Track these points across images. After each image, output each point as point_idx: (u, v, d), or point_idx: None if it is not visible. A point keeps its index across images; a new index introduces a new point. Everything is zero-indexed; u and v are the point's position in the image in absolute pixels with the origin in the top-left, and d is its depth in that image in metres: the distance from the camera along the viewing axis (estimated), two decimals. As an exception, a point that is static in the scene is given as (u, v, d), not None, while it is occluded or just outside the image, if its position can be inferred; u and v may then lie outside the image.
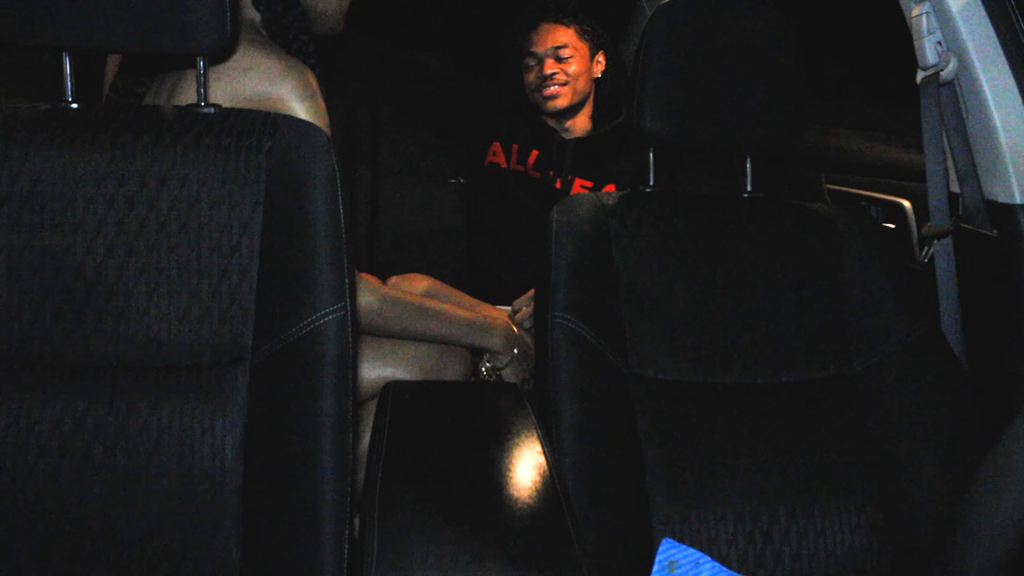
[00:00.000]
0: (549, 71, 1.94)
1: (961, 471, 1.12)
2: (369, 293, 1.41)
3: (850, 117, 1.97)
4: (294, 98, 1.24)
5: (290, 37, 1.33)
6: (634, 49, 1.27)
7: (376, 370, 1.46)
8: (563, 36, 1.96)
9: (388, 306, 1.43)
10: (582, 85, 1.97)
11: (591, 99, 2.02)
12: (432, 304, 1.52)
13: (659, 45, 1.23)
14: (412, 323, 1.46)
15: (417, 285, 1.74)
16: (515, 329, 1.61)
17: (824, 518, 1.14)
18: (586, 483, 1.06)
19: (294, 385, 0.99)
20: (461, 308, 1.57)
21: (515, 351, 1.58)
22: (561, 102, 1.95)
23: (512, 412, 1.07)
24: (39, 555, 0.97)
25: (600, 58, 2.01)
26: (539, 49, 1.96)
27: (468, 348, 1.57)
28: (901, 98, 1.50)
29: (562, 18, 1.97)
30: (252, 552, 0.98)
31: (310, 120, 1.19)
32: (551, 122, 2.01)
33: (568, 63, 1.95)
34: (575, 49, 1.96)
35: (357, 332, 1.03)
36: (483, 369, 1.59)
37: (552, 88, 1.94)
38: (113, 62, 1.68)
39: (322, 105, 1.30)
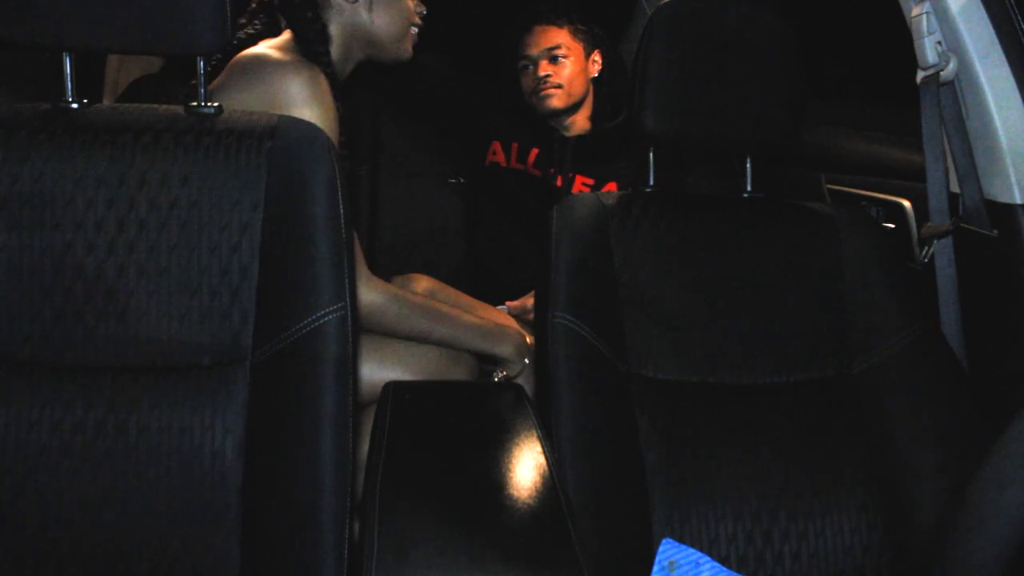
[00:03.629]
0: (543, 73, 1.94)
1: (961, 471, 1.12)
2: (376, 292, 1.39)
3: (850, 117, 1.97)
4: (301, 97, 1.25)
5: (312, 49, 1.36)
6: (634, 49, 1.27)
7: (379, 372, 1.44)
8: (557, 37, 1.95)
9: (396, 305, 1.40)
10: (578, 86, 1.97)
11: (589, 99, 2.01)
12: (442, 307, 1.49)
13: (659, 45, 1.23)
14: (419, 324, 1.43)
15: (417, 285, 1.73)
16: (528, 340, 1.55)
17: (824, 518, 1.14)
18: (586, 483, 1.06)
19: (294, 385, 0.99)
20: (471, 313, 1.54)
21: (526, 361, 1.53)
22: (556, 103, 1.95)
23: (512, 412, 1.07)
24: (39, 554, 0.97)
25: (596, 57, 2.01)
26: (533, 51, 1.96)
27: (477, 354, 1.53)
28: (901, 98, 1.50)
29: (555, 19, 1.97)
30: (252, 552, 0.98)
31: (318, 121, 1.20)
32: (551, 121, 2.01)
33: (562, 64, 1.95)
34: (569, 49, 1.95)
35: (357, 332, 1.03)
36: (496, 379, 1.54)
37: (547, 90, 1.94)
38: (113, 62, 1.69)
39: (332, 106, 1.30)
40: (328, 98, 1.32)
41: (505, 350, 1.52)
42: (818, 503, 1.14)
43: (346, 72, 1.45)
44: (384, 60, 1.47)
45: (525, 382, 1.54)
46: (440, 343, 1.47)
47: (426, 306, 1.46)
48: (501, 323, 1.57)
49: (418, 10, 1.47)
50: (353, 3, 1.39)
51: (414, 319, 1.43)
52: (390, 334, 1.44)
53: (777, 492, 1.14)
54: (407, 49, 1.47)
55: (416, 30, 1.47)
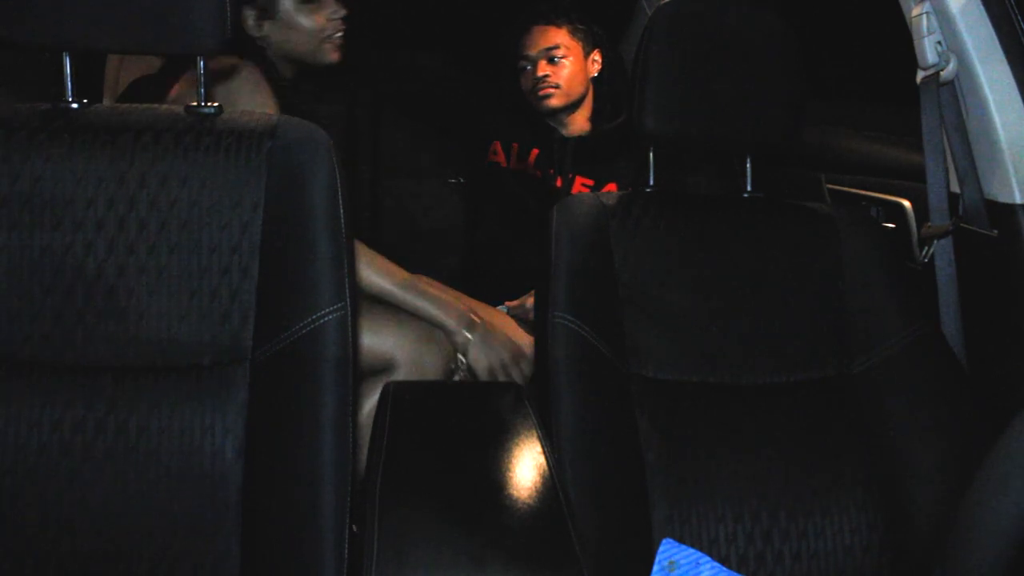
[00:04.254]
0: (542, 73, 1.94)
1: (961, 471, 1.12)
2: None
3: (850, 117, 1.97)
4: (243, 91, 1.40)
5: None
6: (634, 49, 1.27)
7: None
8: (555, 37, 1.95)
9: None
10: (577, 86, 1.97)
11: (589, 99, 2.01)
12: (395, 268, 1.58)
13: (659, 45, 1.23)
14: (368, 277, 1.54)
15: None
16: (475, 317, 1.61)
17: (824, 518, 1.14)
18: (586, 483, 1.06)
19: (294, 385, 0.99)
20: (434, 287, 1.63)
21: (470, 335, 1.59)
22: (555, 102, 1.95)
23: (512, 412, 1.07)
24: (39, 555, 0.97)
25: (596, 56, 2.01)
26: (532, 51, 1.96)
27: (427, 321, 1.59)
28: (901, 98, 1.50)
29: (554, 19, 1.97)
30: (252, 552, 0.98)
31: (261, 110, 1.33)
32: (550, 121, 2.01)
33: (561, 65, 1.95)
34: (568, 49, 1.95)
35: (357, 332, 1.04)
36: (461, 362, 1.62)
37: (545, 90, 1.94)
38: (113, 62, 1.72)
39: (272, 100, 1.45)
40: (267, 93, 1.47)
41: (445, 319, 1.58)
42: (818, 503, 1.14)
43: (289, 73, 1.61)
44: (314, 67, 1.63)
45: (476, 360, 1.60)
46: (381, 296, 1.55)
47: (377, 261, 1.56)
48: (452, 299, 1.62)
49: (332, 21, 1.59)
50: (263, 41, 1.56)
51: (366, 272, 1.53)
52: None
53: (777, 492, 1.14)
54: (329, 57, 1.61)
55: (338, 38, 1.61)
